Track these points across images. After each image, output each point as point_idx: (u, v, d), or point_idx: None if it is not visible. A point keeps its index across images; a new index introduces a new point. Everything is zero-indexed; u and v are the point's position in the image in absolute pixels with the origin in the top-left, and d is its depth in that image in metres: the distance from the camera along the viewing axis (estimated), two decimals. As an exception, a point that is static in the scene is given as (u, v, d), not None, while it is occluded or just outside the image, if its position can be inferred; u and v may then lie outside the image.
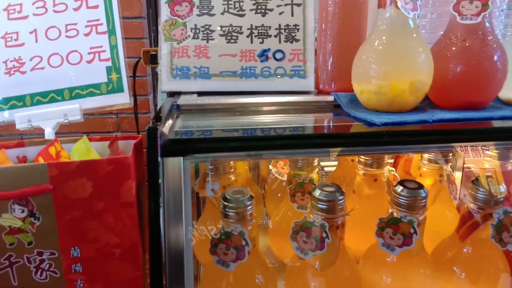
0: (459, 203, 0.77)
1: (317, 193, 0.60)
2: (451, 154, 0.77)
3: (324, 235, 0.60)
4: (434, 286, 0.64)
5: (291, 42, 0.77)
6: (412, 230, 0.61)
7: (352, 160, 0.86)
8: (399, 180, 0.80)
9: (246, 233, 0.58)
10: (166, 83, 0.78)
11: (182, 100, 0.70)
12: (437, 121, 0.59)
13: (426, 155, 0.78)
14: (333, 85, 0.76)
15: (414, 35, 0.62)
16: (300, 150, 0.55)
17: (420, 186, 0.62)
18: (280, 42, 0.77)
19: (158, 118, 0.59)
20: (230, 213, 0.58)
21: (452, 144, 0.55)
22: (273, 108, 0.72)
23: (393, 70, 0.61)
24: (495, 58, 0.61)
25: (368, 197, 0.75)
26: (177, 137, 0.52)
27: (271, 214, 0.85)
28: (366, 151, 0.68)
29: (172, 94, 0.79)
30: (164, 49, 0.77)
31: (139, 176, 0.51)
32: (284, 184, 0.87)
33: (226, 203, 0.58)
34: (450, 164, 0.76)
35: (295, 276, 0.65)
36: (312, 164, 0.73)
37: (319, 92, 0.78)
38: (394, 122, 0.58)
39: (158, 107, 1.22)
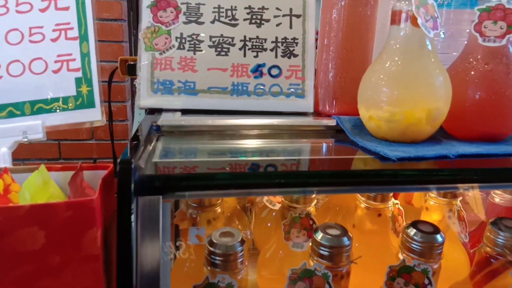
0: (470, 243, 0.70)
1: (319, 236, 0.52)
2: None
3: (327, 287, 0.51)
4: None
5: (289, 57, 0.69)
6: (426, 281, 0.53)
7: (351, 189, 0.78)
8: (403, 214, 0.73)
9: (236, 285, 0.49)
10: (146, 98, 0.68)
11: (163, 120, 0.60)
12: (459, 156, 0.51)
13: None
14: (334, 107, 0.68)
15: (432, 57, 0.54)
16: (302, 189, 0.47)
17: (436, 230, 0.54)
18: (276, 56, 0.69)
19: (134, 144, 0.49)
20: (217, 262, 0.49)
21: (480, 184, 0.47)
22: (267, 131, 0.64)
23: (408, 96, 0.54)
24: (522, 86, 0.54)
25: (371, 233, 0.67)
26: (156, 173, 0.43)
27: (260, 247, 0.76)
28: (376, 190, 0.60)
29: (152, 111, 0.69)
30: (144, 59, 0.67)
31: (107, 217, 0.42)
32: (274, 214, 0.78)
33: (212, 249, 0.49)
34: (460, 198, 0.69)
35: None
36: (309, 196, 0.65)
37: (318, 114, 0.70)
38: (411, 157, 0.50)
39: (134, 121, 1.11)
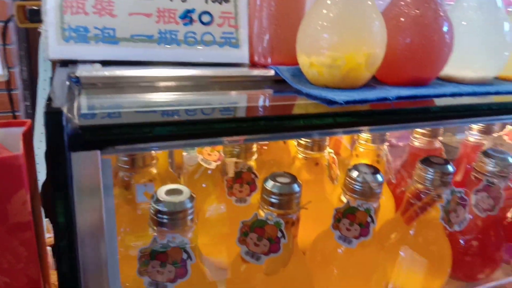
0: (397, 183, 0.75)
1: (269, 185, 0.50)
2: (388, 133, 0.74)
3: (279, 234, 0.50)
4: (386, 272, 0.60)
5: (220, 3, 0.64)
6: (369, 219, 0.55)
7: (284, 142, 0.78)
8: (337, 162, 0.76)
9: (188, 244, 0.45)
10: (55, 48, 0.58)
11: (84, 71, 0.52)
12: (397, 99, 0.53)
13: (363, 135, 0.74)
14: (270, 58, 0.65)
15: (369, 1, 0.54)
16: (266, 135, 0.44)
17: (376, 171, 0.56)
18: (207, 2, 0.63)
19: (54, 97, 0.41)
20: (165, 221, 0.45)
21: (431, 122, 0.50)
22: (200, 83, 0.59)
23: (349, 41, 0.53)
24: (446, 30, 0.57)
25: (310, 183, 0.67)
26: (93, 123, 0.36)
27: (198, 209, 0.73)
28: (326, 134, 0.60)
29: (65, 64, 0.59)
30: (50, 1, 0.57)
31: (31, 183, 0.34)
32: (210, 172, 0.75)
33: (159, 208, 0.45)
34: (387, 143, 0.74)
35: (240, 283, 0.55)
36: (250, 149, 0.63)
37: (254, 65, 0.67)
38: (356, 100, 0.50)
39: (39, 82, 0.96)
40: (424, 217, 0.61)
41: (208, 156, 0.72)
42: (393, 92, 0.55)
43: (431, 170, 0.59)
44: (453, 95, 0.57)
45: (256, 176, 0.63)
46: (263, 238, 0.51)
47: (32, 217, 0.31)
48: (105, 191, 0.37)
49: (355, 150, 0.76)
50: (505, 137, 0.92)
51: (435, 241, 0.63)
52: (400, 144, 0.87)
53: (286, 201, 0.50)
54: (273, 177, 0.51)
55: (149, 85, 0.56)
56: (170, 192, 0.46)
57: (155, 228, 0.45)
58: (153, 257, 0.44)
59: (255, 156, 0.64)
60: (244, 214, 0.51)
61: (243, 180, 0.62)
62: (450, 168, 0.59)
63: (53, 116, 0.34)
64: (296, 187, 0.50)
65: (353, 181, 0.55)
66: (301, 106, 0.52)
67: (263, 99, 0.55)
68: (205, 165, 0.72)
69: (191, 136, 0.41)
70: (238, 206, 0.62)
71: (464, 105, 0.53)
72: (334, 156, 0.73)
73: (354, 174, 0.55)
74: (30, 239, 0.32)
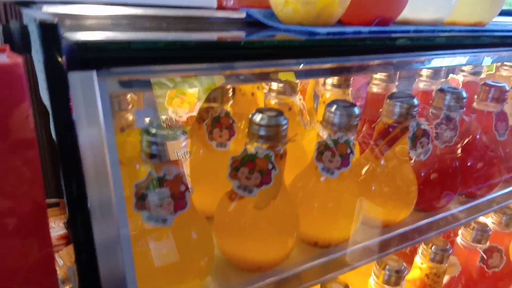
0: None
1: (258, 118, 0.51)
2: (352, 79, 0.78)
3: (270, 166, 0.51)
4: (360, 205, 0.64)
5: None
6: (349, 150, 0.58)
7: (253, 94, 0.78)
8: (306, 108, 0.78)
9: (185, 176, 0.45)
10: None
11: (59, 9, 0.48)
12: (370, 33, 0.56)
13: (329, 80, 0.76)
14: (238, 2, 0.65)
15: None
16: (254, 63, 0.44)
17: (353, 105, 0.59)
18: None
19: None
20: (161, 153, 0.44)
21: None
22: (171, 25, 0.57)
23: (324, -24, 0.55)
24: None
25: (285, 127, 0.69)
26: (87, 41, 0.34)
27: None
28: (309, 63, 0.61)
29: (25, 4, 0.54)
30: None
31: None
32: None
33: (154, 139, 0.43)
34: (351, 88, 0.77)
35: (228, 223, 0.56)
36: (227, 94, 0.62)
37: (221, 8, 0.66)
38: (335, 32, 0.52)
39: None
40: (392, 151, 0.66)
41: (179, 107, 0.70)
42: (365, 29, 0.57)
43: (398, 103, 0.63)
44: (415, 31, 0.61)
45: (234, 121, 0.63)
46: (255, 171, 0.51)
47: (35, 135, 0.29)
48: (105, 118, 0.36)
49: (322, 97, 0.79)
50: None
51: (402, 174, 0.67)
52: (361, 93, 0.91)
53: (275, 132, 0.51)
54: (260, 111, 0.52)
55: (122, 23, 0.53)
56: (160, 127, 0.45)
57: (149, 160, 0.44)
58: (151, 188, 0.43)
59: (231, 102, 0.63)
60: (225, 159, 0.52)
61: (222, 125, 0.62)
62: (416, 101, 0.64)
63: (51, 29, 0.31)
64: (283, 119, 0.51)
65: (333, 115, 0.57)
66: (282, 38, 0.53)
67: (241, 34, 0.55)
68: (176, 117, 0.70)
69: (183, 59, 0.40)
70: (219, 150, 0.62)
71: (425, 38, 0.57)
72: (304, 102, 0.75)
73: (334, 107, 0.57)
74: (34, 158, 0.29)
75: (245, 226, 0.55)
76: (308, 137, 0.77)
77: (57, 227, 0.86)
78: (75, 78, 0.34)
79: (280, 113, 0.53)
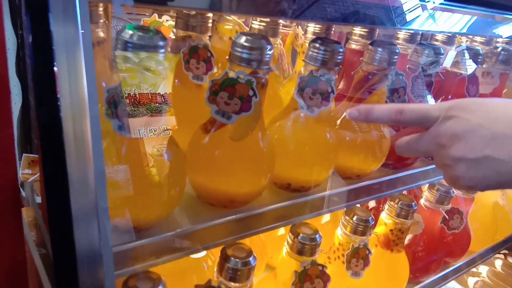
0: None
1: (241, 39, 0.48)
2: (332, 31, 0.76)
3: (251, 93, 0.49)
4: (337, 151, 0.63)
5: None
6: (329, 89, 0.57)
7: (231, 39, 0.75)
8: (285, 54, 0.76)
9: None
10: None
11: None
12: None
13: (310, 28, 0.75)
14: None
15: None
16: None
17: (337, 42, 0.57)
18: None
19: None
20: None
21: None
22: None
23: None
24: None
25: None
26: None
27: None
28: None
29: None
30: None
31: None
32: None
33: (129, 39, 0.40)
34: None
35: (205, 149, 0.53)
36: (206, 23, 0.59)
37: None
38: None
39: None
40: (370, 100, 0.65)
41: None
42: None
43: (380, 49, 0.63)
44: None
45: (212, 55, 0.60)
46: (234, 96, 0.49)
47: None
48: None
49: (302, 47, 0.77)
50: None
51: (377, 124, 0.67)
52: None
53: (258, 57, 0.48)
54: (244, 33, 0.49)
55: None
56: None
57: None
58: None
59: (209, 33, 0.60)
60: (202, 93, 0.49)
61: (199, 56, 0.59)
62: (397, 49, 0.64)
63: None
64: (267, 43, 0.49)
65: (316, 50, 0.55)
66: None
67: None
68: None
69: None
70: (194, 83, 0.59)
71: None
72: (283, 48, 0.73)
73: (318, 43, 0.55)
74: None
75: (219, 158, 0.52)
76: (285, 88, 0.76)
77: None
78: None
79: (264, 37, 0.50)
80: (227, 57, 0.50)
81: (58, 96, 0.33)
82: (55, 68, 0.31)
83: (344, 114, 0.68)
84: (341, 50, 0.56)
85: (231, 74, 0.49)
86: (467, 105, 0.44)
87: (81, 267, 0.37)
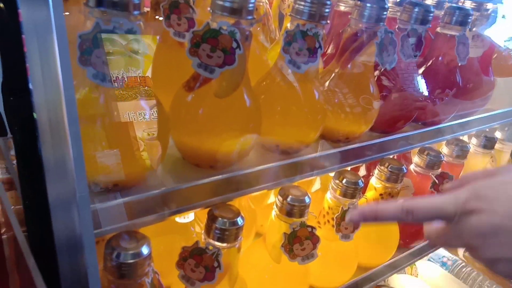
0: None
1: (225, -11, 0.46)
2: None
3: (234, 45, 0.47)
4: (324, 113, 0.62)
5: None
6: (317, 45, 0.55)
7: None
8: (272, 16, 0.73)
9: (138, 30, 0.39)
10: None
11: None
12: None
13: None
14: None
15: None
16: None
17: (324, -5, 0.55)
18: None
19: None
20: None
21: None
22: None
23: None
24: None
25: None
26: None
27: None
28: None
29: None
30: None
31: None
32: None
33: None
34: None
35: (188, 106, 0.51)
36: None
37: None
38: None
39: None
40: (359, 59, 0.63)
41: None
42: None
43: (369, 5, 0.60)
44: None
45: (194, 11, 0.57)
46: (217, 49, 0.47)
47: None
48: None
49: (288, 9, 0.74)
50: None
51: (367, 85, 0.66)
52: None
53: (242, 5, 0.46)
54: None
55: None
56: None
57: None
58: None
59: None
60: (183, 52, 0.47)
61: (180, 12, 0.56)
62: (386, 5, 0.62)
63: None
64: (251, -8, 0.47)
65: (302, 3, 0.53)
66: None
67: None
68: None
69: None
70: (176, 40, 0.56)
71: None
72: (269, 8, 0.70)
73: (306, -5, 0.53)
74: None
75: (204, 116, 0.50)
76: (271, 52, 0.73)
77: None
78: None
79: (249, -12, 0.48)
80: (209, 8, 0.48)
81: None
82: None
83: (333, 75, 0.67)
84: (328, 2, 0.54)
85: (213, 25, 0.46)
86: (485, 194, 0.40)
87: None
